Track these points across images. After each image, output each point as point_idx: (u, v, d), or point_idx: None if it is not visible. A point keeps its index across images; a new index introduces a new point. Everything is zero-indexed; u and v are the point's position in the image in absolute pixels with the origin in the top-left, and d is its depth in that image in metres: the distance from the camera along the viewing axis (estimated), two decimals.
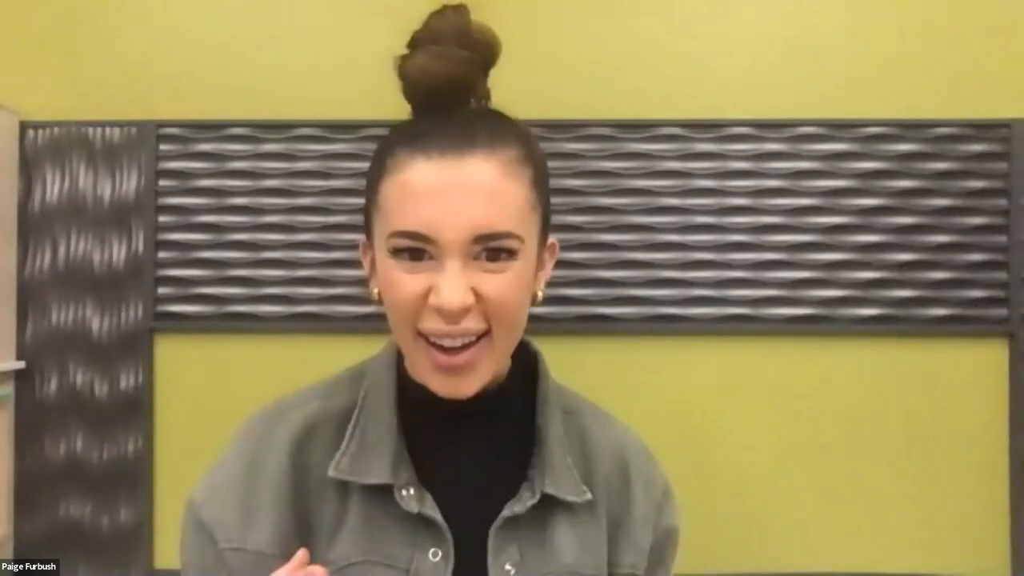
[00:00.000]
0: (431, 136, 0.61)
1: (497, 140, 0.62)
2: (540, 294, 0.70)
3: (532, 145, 0.66)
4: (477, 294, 0.61)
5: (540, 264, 0.70)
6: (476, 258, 0.61)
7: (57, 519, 1.75)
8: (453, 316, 0.61)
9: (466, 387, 0.64)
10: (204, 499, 0.68)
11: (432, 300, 0.61)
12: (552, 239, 0.72)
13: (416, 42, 0.64)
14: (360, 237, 0.71)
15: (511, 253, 0.62)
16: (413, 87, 0.65)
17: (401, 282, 0.62)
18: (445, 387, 0.64)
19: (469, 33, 0.64)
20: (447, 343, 0.62)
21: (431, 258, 0.61)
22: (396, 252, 0.62)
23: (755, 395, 1.75)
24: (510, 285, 0.62)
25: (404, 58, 0.64)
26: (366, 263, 0.70)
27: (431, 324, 0.62)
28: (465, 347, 0.63)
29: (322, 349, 1.75)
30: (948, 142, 1.74)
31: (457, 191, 0.60)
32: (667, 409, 1.74)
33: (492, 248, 0.61)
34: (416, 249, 0.61)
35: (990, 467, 1.74)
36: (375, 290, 0.68)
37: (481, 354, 0.63)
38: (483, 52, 0.65)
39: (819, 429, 1.74)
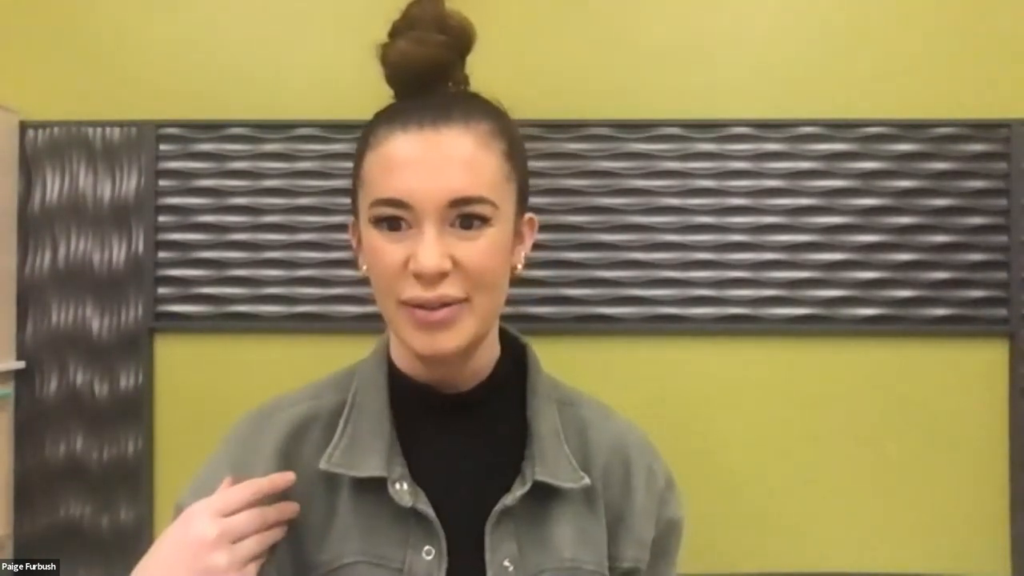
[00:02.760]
0: (409, 112, 0.65)
1: (472, 115, 0.65)
2: (520, 267, 0.72)
3: (506, 122, 0.69)
4: (454, 261, 0.63)
5: (519, 238, 0.72)
6: (452, 225, 0.63)
7: (57, 519, 1.75)
8: (430, 280, 0.63)
9: (446, 343, 0.65)
10: (191, 501, 0.68)
11: (411, 266, 0.63)
12: (531, 215, 0.74)
13: (396, 30, 0.67)
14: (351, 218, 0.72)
15: (485, 220, 0.64)
16: (394, 71, 0.67)
17: (383, 252, 0.64)
18: (426, 344, 0.65)
19: (445, 19, 0.67)
20: (427, 305, 0.64)
21: (410, 227, 0.63)
22: (377, 222, 0.65)
23: (755, 395, 1.75)
24: (486, 251, 0.64)
25: (385, 45, 0.67)
26: (354, 241, 0.72)
27: (411, 292, 0.64)
28: (445, 305, 0.64)
29: (322, 349, 1.75)
30: (948, 142, 1.74)
31: (434, 160, 0.63)
32: (667, 409, 1.74)
33: (467, 214, 0.63)
34: (395, 218, 0.64)
35: (990, 467, 1.74)
36: (363, 266, 0.69)
37: (460, 313, 0.65)
38: (459, 37, 0.68)
39: (819, 429, 1.74)
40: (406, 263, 0.63)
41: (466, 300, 0.64)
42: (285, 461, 0.68)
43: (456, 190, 0.62)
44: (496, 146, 0.66)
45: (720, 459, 1.74)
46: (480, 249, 0.64)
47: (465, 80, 0.70)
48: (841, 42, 1.77)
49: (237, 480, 0.66)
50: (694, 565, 1.68)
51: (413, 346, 0.66)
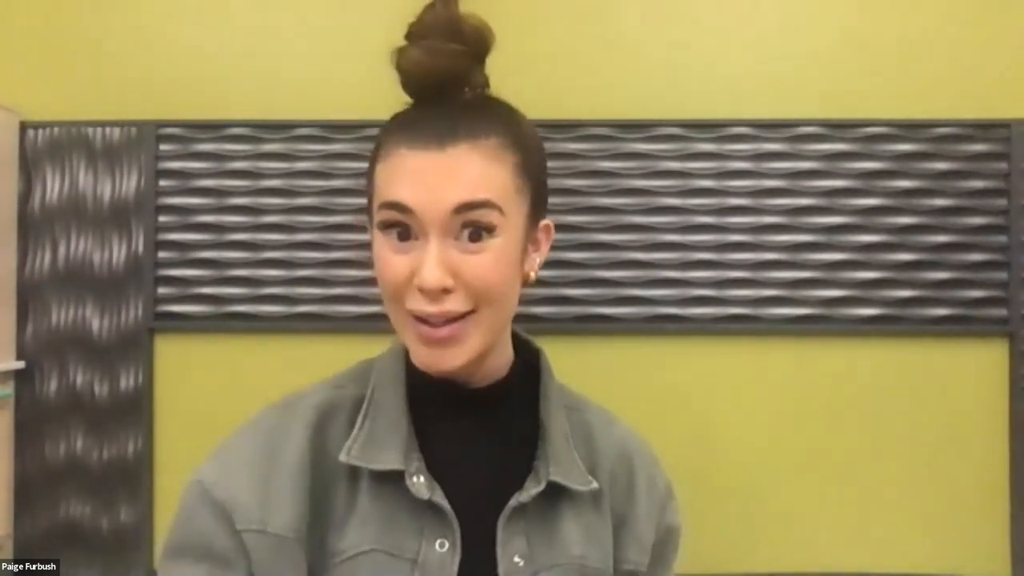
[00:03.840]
0: (417, 128, 0.65)
1: (479, 130, 0.65)
2: (533, 274, 0.72)
3: (519, 132, 0.69)
4: (458, 276, 0.63)
5: (535, 245, 0.72)
6: (457, 237, 0.63)
7: (57, 519, 1.75)
8: (433, 295, 0.63)
9: (450, 360, 0.65)
10: (217, 481, 0.67)
11: (415, 281, 0.63)
12: (548, 221, 0.74)
13: (409, 36, 0.67)
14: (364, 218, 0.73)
15: (491, 230, 0.64)
16: (407, 79, 0.67)
17: (389, 262, 0.65)
18: (430, 359, 0.66)
19: (459, 26, 0.65)
20: (431, 320, 0.64)
21: (415, 238, 0.64)
22: (385, 227, 0.65)
23: (755, 395, 1.75)
24: (491, 265, 0.64)
25: (399, 51, 0.67)
26: (371, 239, 0.72)
27: (416, 304, 0.64)
28: (449, 322, 0.64)
29: (322, 349, 1.75)
30: (948, 142, 1.74)
31: (440, 174, 0.63)
32: (667, 409, 1.74)
33: (473, 223, 0.63)
34: (403, 226, 0.64)
35: (990, 467, 1.74)
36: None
37: (465, 329, 0.65)
38: (473, 44, 0.67)
39: (819, 429, 1.74)
40: (411, 275, 0.63)
41: (471, 312, 0.64)
42: (315, 448, 0.69)
43: (461, 196, 0.62)
44: (507, 159, 0.65)
45: (720, 458, 1.74)
46: (485, 264, 0.64)
47: (484, 82, 0.70)
48: (841, 42, 1.77)
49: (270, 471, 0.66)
50: (693, 565, 1.68)
51: (418, 360, 0.67)
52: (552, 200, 1.72)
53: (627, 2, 1.78)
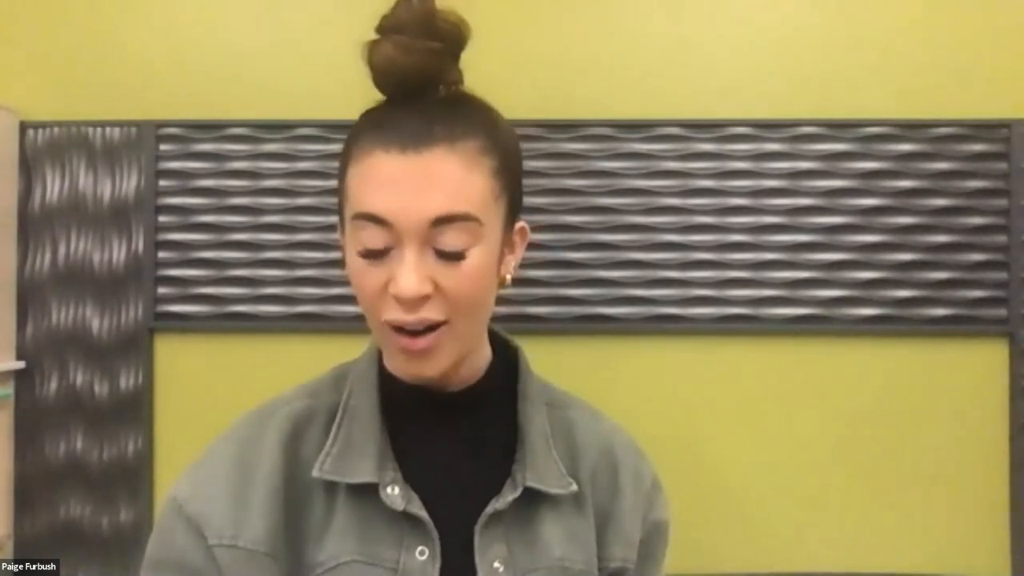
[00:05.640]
0: (393, 129, 0.62)
1: (457, 132, 0.62)
2: (508, 277, 0.71)
3: (496, 133, 0.66)
4: (436, 286, 0.62)
5: (510, 248, 0.70)
6: (434, 246, 0.62)
7: (57, 519, 1.75)
8: (410, 305, 0.62)
9: (428, 369, 0.65)
10: (190, 496, 0.67)
11: (391, 289, 0.62)
12: (522, 222, 0.72)
13: (382, 29, 0.63)
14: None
15: (470, 244, 0.62)
16: (380, 76, 0.64)
17: (363, 273, 0.63)
18: (408, 368, 0.65)
19: (434, 22, 0.63)
20: (408, 328, 0.63)
21: (391, 248, 0.62)
22: (361, 249, 0.63)
23: (755, 395, 1.75)
24: (469, 276, 0.63)
25: (371, 46, 0.63)
26: (342, 240, 0.71)
27: (392, 314, 0.63)
28: (427, 331, 0.63)
29: (322, 349, 1.75)
30: (948, 142, 1.74)
31: (416, 181, 0.60)
32: (667, 409, 1.74)
33: (449, 242, 0.61)
34: (376, 251, 0.62)
35: (990, 467, 1.74)
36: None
37: (441, 339, 0.64)
38: (450, 40, 0.64)
39: (818, 429, 1.74)
40: (386, 285, 0.62)
41: (447, 322, 0.63)
42: (289, 459, 0.69)
43: (439, 209, 0.60)
44: (485, 163, 0.63)
45: (719, 458, 1.74)
46: (463, 275, 0.62)
47: (459, 78, 0.67)
48: (841, 42, 1.77)
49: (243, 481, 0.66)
50: (691, 565, 1.68)
51: (396, 369, 0.66)
52: (552, 200, 1.73)
53: (627, 2, 1.78)
